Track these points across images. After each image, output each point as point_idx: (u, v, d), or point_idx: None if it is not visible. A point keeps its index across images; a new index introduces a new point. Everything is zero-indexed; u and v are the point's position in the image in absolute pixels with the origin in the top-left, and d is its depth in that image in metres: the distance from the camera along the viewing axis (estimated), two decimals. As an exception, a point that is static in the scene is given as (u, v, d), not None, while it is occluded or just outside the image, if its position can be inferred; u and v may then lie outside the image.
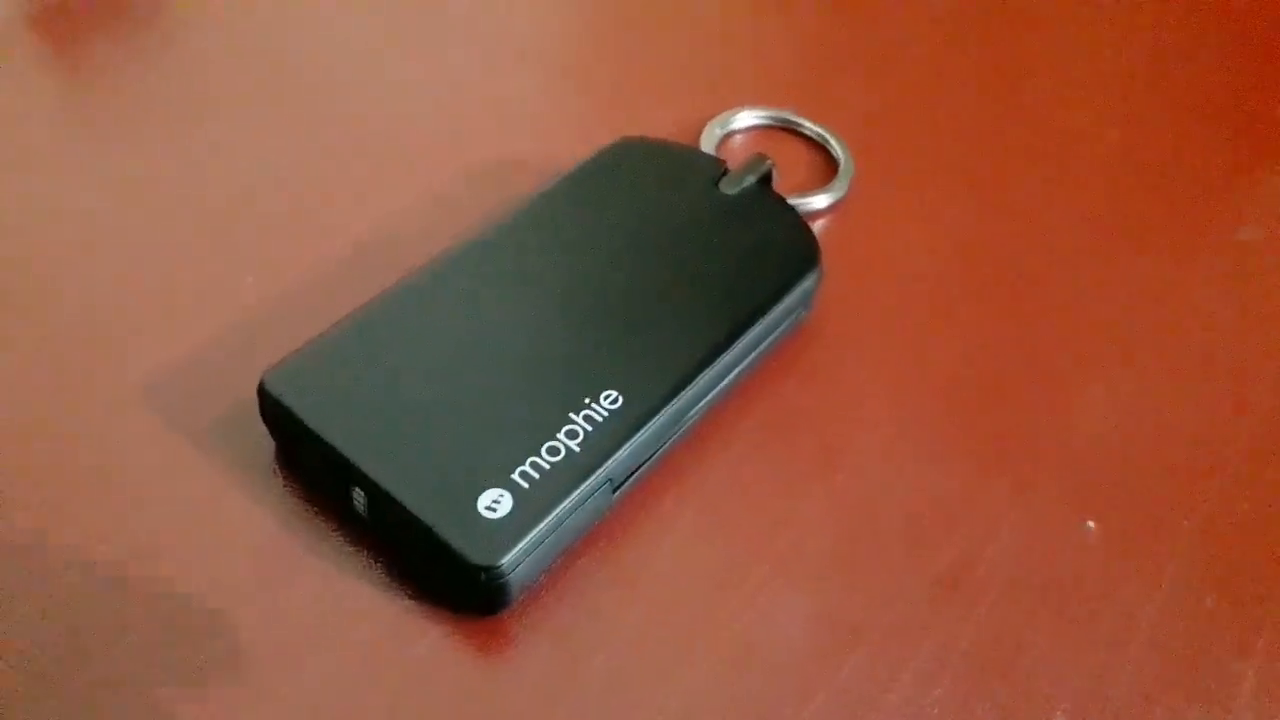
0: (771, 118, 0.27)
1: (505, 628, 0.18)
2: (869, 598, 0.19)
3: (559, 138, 0.26)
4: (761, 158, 0.24)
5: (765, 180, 0.24)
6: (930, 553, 0.20)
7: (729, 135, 0.26)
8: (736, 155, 0.26)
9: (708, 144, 0.26)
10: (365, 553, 0.19)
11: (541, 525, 0.17)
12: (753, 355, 0.21)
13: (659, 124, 0.26)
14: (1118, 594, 0.19)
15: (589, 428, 0.19)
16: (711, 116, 0.26)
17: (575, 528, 0.18)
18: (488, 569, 0.17)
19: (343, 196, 0.24)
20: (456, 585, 0.18)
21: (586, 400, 0.19)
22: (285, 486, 0.19)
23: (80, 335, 0.21)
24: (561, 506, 0.18)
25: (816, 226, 0.25)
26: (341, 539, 0.19)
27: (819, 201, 0.25)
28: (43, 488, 0.19)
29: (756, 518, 0.20)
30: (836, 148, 0.26)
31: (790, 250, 0.22)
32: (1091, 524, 0.20)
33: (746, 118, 0.26)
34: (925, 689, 0.18)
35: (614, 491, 0.19)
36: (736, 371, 0.21)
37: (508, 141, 0.26)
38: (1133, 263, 0.25)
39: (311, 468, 0.19)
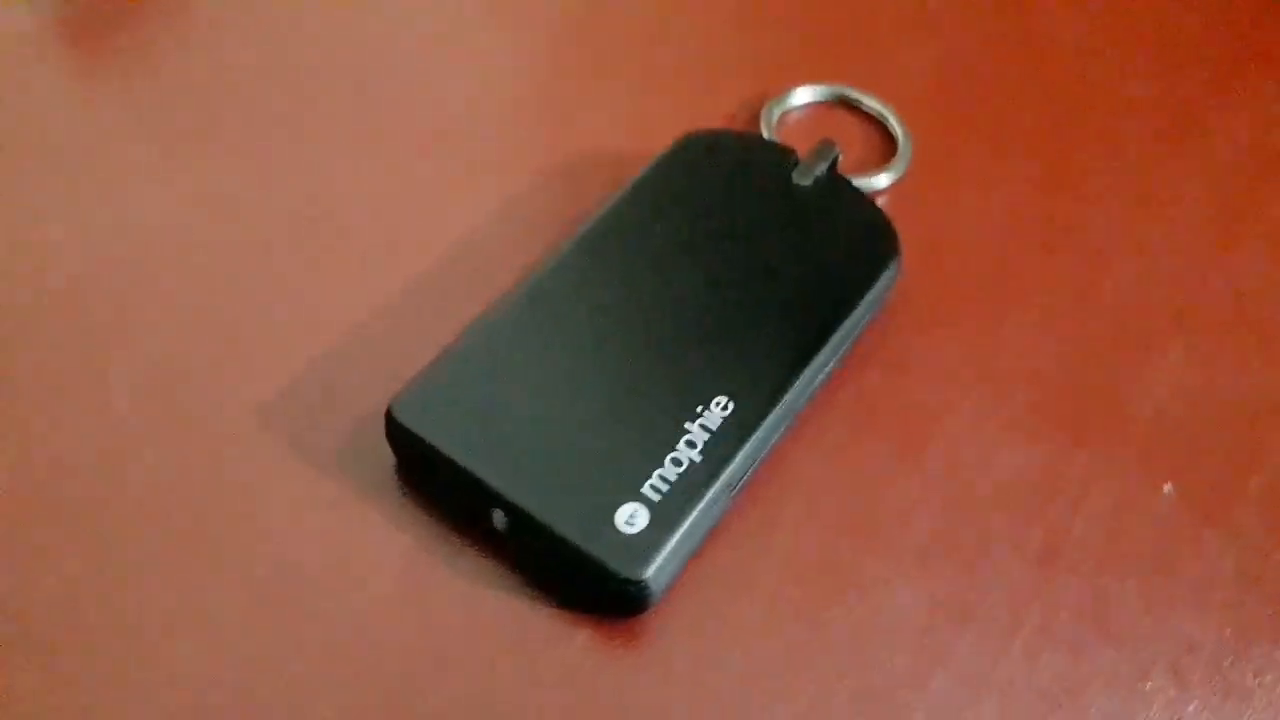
0: (829, 94, 0.27)
1: (645, 627, 0.19)
2: (974, 576, 0.20)
3: (622, 131, 0.26)
4: (830, 144, 0.24)
5: (833, 165, 0.24)
6: (1025, 527, 0.21)
7: (785, 114, 0.27)
8: (793, 136, 0.26)
9: (766, 126, 0.26)
10: (502, 564, 0.20)
11: (677, 536, 0.18)
12: (845, 346, 0.22)
13: (716, 107, 0.27)
14: (1197, 553, 0.21)
15: (705, 436, 0.20)
16: (767, 96, 0.27)
17: (702, 532, 0.19)
18: (635, 582, 0.18)
19: (422, 206, 0.25)
20: (601, 596, 0.19)
21: (698, 409, 0.20)
22: (414, 504, 0.20)
23: (188, 361, 0.22)
24: (693, 517, 0.19)
25: (880, 204, 0.25)
26: (477, 553, 0.20)
27: (882, 180, 0.25)
28: (172, 520, 0.20)
29: (858, 505, 0.21)
30: (894, 123, 0.26)
31: (871, 239, 0.23)
32: (1169, 488, 0.22)
33: (803, 95, 0.27)
34: (1034, 660, 0.19)
35: (731, 493, 0.20)
36: (831, 364, 0.22)
37: (571, 140, 0.26)
38: (1197, 226, 0.26)
39: (443, 488, 0.20)
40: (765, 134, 0.26)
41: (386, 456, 0.21)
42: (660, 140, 0.25)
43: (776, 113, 0.26)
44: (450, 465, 0.19)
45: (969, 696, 0.19)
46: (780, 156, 0.24)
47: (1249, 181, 0.27)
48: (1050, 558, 0.21)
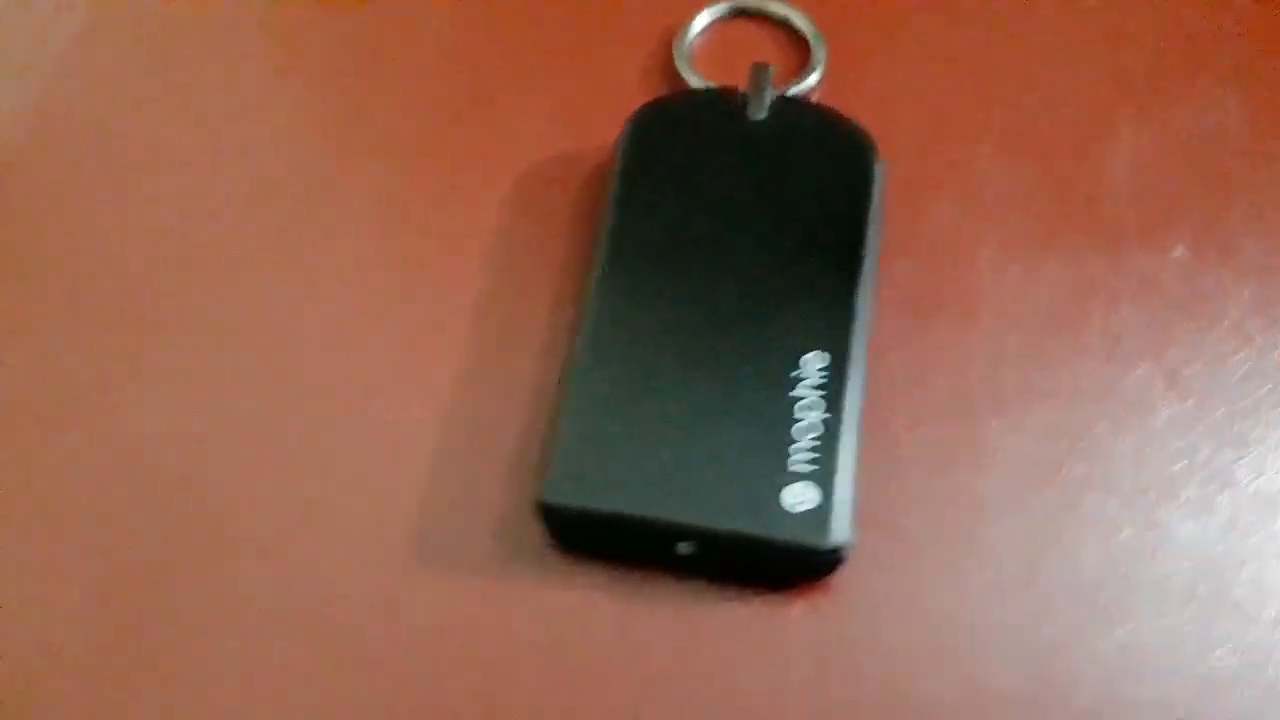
0: (727, 9, 0.27)
1: (841, 581, 0.21)
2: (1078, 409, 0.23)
3: (558, 132, 0.26)
4: (762, 67, 0.25)
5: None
6: (1083, 324, 0.24)
7: (694, 46, 0.27)
8: (711, 64, 0.27)
9: (683, 67, 0.27)
10: (691, 582, 0.21)
11: (841, 492, 0.20)
12: (876, 249, 0.23)
13: (627, 59, 0.27)
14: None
15: (816, 393, 0.21)
16: (671, 27, 0.27)
17: (855, 475, 0.21)
18: (832, 550, 0.20)
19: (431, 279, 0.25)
20: (798, 573, 0.21)
21: (794, 374, 0.21)
22: (585, 568, 0.22)
23: (328, 504, 0.22)
24: (846, 469, 0.21)
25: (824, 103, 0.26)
26: (665, 583, 0.21)
27: (811, 80, 0.26)
28: (374, 666, 0.21)
29: (956, 383, 0.23)
30: (799, 21, 0.27)
31: (848, 145, 0.24)
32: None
33: (703, 19, 0.27)
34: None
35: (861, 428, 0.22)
36: (874, 272, 0.23)
37: (519, 157, 0.26)
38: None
39: (615, 544, 0.21)
40: (691, 79, 0.26)
41: (526, 545, 0.22)
42: (595, 127, 0.26)
43: (687, 49, 0.27)
44: (622, 521, 0.20)
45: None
46: (726, 100, 0.25)
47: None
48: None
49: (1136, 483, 0.22)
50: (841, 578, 0.21)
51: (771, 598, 0.21)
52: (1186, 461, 0.23)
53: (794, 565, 0.20)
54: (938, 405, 0.23)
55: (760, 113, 0.25)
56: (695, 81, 0.26)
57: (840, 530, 0.20)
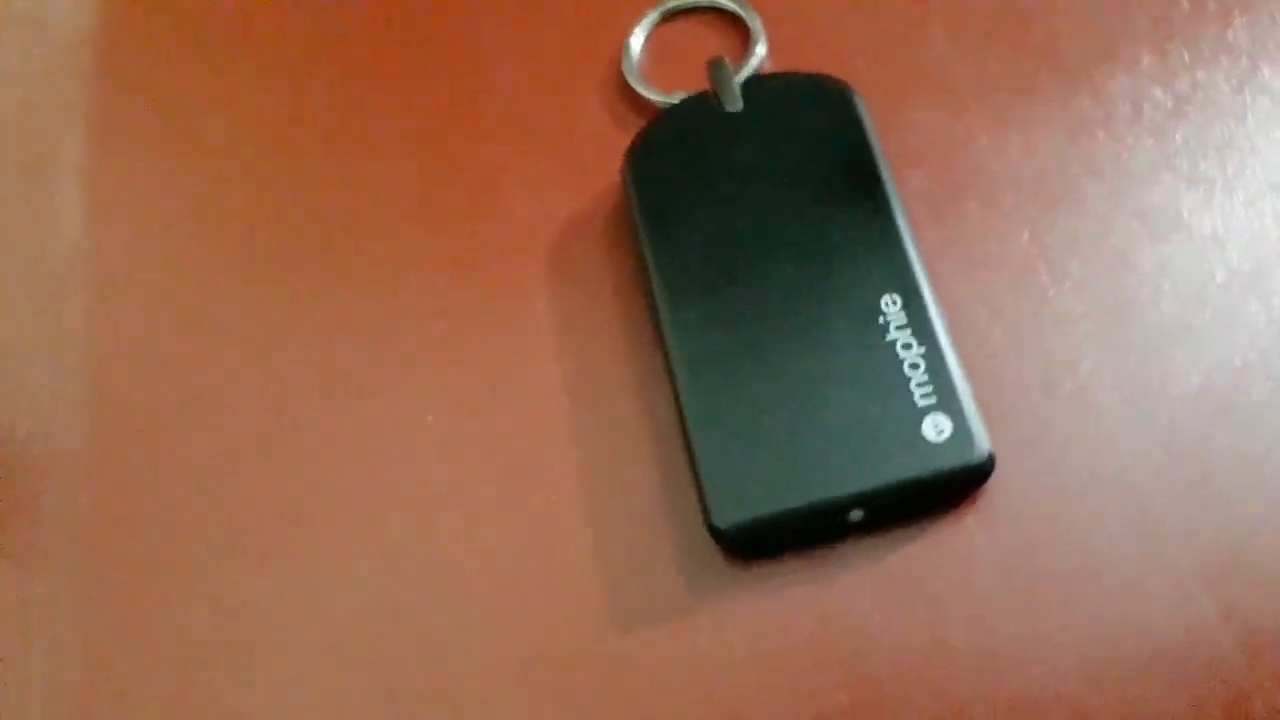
0: (660, 15, 0.29)
1: (988, 490, 0.23)
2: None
3: (550, 176, 0.28)
4: (717, 60, 0.26)
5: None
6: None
7: (640, 62, 0.28)
8: (661, 68, 0.28)
9: (637, 82, 0.28)
10: (870, 539, 0.23)
11: (971, 409, 0.22)
12: (893, 176, 0.25)
13: (583, 94, 0.28)
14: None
15: (907, 331, 0.23)
16: (616, 39, 0.28)
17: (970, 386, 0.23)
18: (986, 461, 0.22)
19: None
20: (961, 494, 0.22)
21: (881, 320, 0.23)
22: (769, 566, 0.23)
23: (519, 597, 0.23)
24: (965, 389, 0.22)
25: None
26: (847, 548, 0.23)
27: (760, 50, 0.27)
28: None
29: (1003, 262, 0.25)
30: (729, 4, 0.28)
31: (826, 100, 0.25)
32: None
33: (641, 32, 0.28)
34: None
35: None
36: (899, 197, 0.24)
37: (532, 219, 0.27)
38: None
39: (792, 540, 0.22)
40: (651, 95, 0.28)
41: (710, 570, 0.23)
42: (586, 174, 0.27)
43: (636, 68, 0.28)
44: (795, 515, 0.22)
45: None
46: (701, 105, 0.26)
47: None
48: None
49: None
50: (993, 486, 0.23)
51: (940, 521, 0.23)
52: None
53: (957, 488, 0.22)
54: (1001, 291, 0.25)
55: (736, 104, 0.26)
56: (655, 97, 0.28)
57: (983, 440, 0.22)
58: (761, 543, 0.22)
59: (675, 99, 0.27)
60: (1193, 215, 0.25)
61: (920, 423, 0.22)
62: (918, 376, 0.22)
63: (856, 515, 0.22)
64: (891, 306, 0.23)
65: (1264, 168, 0.25)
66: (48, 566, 0.25)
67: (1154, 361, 0.23)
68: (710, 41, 0.28)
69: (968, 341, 0.24)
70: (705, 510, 0.22)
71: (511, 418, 0.25)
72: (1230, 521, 0.22)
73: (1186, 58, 0.26)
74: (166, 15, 0.32)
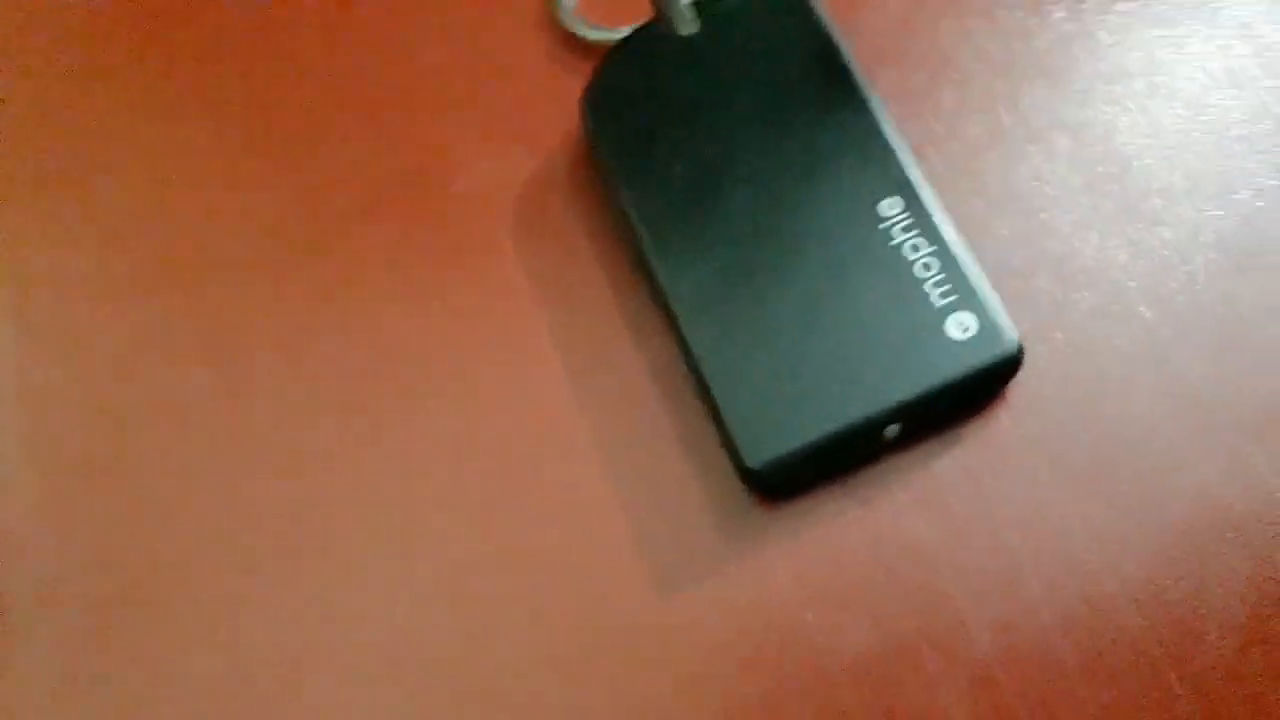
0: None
1: (1018, 386, 0.22)
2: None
3: (503, 133, 0.26)
4: (663, -14, 0.25)
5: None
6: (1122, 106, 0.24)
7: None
8: (586, 1, 0.27)
9: (565, 14, 0.26)
10: (906, 453, 0.22)
11: (992, 302, 0.21)
12: (866, 80, 0.23)
13: (521, 45, 0.27)
14: None
15: (912, 231, 0.21)
16: None
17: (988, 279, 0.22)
18: (1017, 351, 0.21)
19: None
20: (994, 390, 0.21)
21: (883, 225, 0.22)
22: (809, 498, 0.22)
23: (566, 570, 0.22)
24: (982, 282, 0.21)
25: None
26: (884, 465, 0.22)
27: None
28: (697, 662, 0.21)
29: (1004, 167, 0.24)
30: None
31: (789, 6, 0.24)
32: None
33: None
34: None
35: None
36: (878, 97, 0.23)
37: (497, 181, 0.26)
38: None
39: (830, 466, 0.21)
40: (589, 33, 0.26)
41: (750, 513, 0.22)
42: (539, 126, 0.25)
43: (568, 3, 0.26)
44: (830, 441, 0.20)
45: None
46: (653, 36, 0.24)
47: None
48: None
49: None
50: (1027, 376, 0.22)
51: (972, 424, 0.22)
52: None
53: (991, 384, 0.21)
54: (995, 178, 0.24)
55: (689, 26, 0.24)
56: (597, 35, 0.26)
57: (1010, 330, 0.21)
58: (798, 477, 0.21)
59: (621, 33, 0.25)
60: (1173, 71, 0.24)
61: (943, 323, 0.21)
62: (933, 277, 0.21)
63: (892, 431, 0.21)
64: (892, 210, 0.22)
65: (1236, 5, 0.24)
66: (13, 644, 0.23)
67: (1164, 224, 0.23)
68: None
69: (969, 234, 0.23)
70: (734, 453, 0.21)
71: (512, 395, 0.24)
72: (1268, 372, 0.22)
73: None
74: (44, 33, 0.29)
